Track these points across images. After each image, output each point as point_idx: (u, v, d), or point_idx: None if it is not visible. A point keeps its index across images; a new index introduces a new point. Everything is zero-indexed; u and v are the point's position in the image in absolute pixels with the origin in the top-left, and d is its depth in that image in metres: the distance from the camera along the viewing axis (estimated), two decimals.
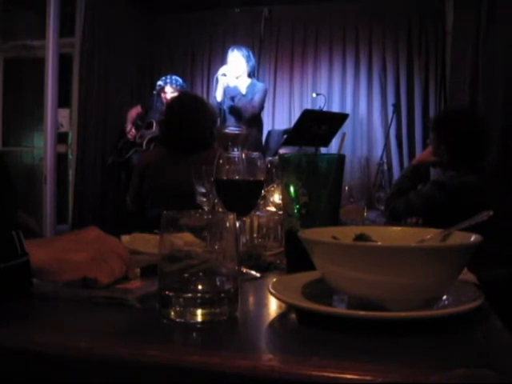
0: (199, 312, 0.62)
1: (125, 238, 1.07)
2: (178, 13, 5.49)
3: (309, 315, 0.62)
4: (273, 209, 1.32)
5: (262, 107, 4.20)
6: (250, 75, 4.23)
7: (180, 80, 4.42)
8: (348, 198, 1.33)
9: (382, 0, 5.08)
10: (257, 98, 4.09)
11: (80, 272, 0.74)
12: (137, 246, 1.01)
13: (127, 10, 5.08)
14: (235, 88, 4.14)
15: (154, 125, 4.24)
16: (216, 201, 1.25)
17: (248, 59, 4.20)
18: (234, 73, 4.16)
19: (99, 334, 0.58)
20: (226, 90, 4.16)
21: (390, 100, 5.02)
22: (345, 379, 0.46)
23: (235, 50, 4.22)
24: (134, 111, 4.45)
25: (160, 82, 4.38)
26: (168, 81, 4.35)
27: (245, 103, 4.04)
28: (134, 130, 4.36)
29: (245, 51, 4.24)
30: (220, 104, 4.12)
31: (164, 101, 4.22)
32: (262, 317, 0.70)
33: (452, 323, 0.59)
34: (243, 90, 4.13)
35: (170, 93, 4.27)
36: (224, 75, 4.14)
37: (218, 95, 4.15)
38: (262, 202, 1.32)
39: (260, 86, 4.24)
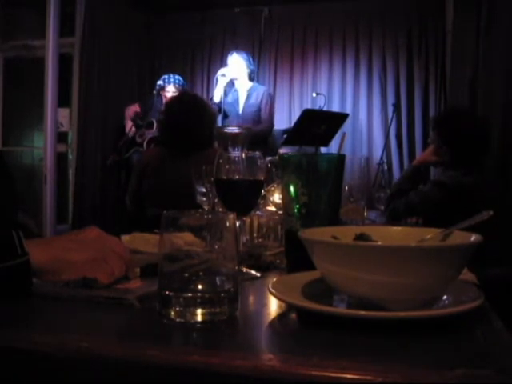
0: (199, 312, 0.62)
1: (125, 237, 1.07)
2: (178, 13, 5.48)
3: (309, 315, 0.62)
4: (273, 209, 1.32)
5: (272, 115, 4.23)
6: (250, 78, 4.23)
7: (182, 80, 4.40)
8: (348, 197, 1.33)
9: (382, 0, 5.08)
10: (267, 112, 4.09)
11: (80, 272, 0.74)
12: (137, 246, 1.01)
13: (127, 9, 5.08)
14: (235, 92, 4.15)
15: (155, 124, 4.22)
16: (216, 201, 1.25)
17: (248, 62, 4.19)
18: (235, 74, 4.16)
19: (99, 334, 0.58)
20: (226, 91, 4.16)
21: (390, 100, 5.02)
22: (345, 379, 0.46)
23: (234, 54, 4.20)
24: (132, 109, 4.41)
25: (160, 82, 4.35)
26: (172, 80, 4.32)
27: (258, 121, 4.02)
28: (133, 128, 4.33)
29: (245, 55, 4.23)
30: (219, 104, 4.11)
31: (164, 100, 4.20)
32: (262, 317, 0.70)
33: (452, 323, 0.59)
34: (244, 93, 4.13)
35: (171, 92, 4.23)
36: (223, 76, 4.14)
37: (217, 96, 4.15)
38: (262, 202, 1.32)
39: (263, 89, 4.22)
